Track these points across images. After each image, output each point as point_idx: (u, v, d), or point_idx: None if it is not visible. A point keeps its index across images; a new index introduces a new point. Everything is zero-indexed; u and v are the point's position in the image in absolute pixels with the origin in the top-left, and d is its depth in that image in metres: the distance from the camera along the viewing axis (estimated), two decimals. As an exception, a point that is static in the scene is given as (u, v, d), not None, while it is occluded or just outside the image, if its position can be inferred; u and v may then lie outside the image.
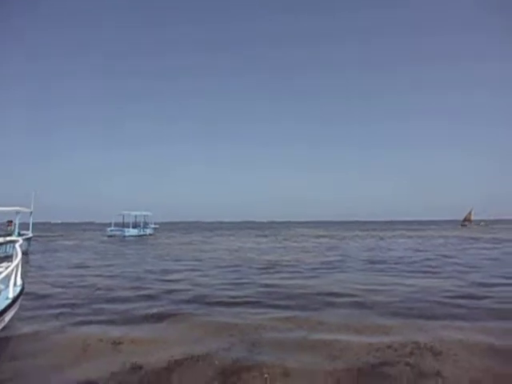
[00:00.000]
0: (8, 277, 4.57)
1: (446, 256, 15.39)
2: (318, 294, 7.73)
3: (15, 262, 4.94)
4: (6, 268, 4.79)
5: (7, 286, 4.63)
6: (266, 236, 37.07)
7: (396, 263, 13.00)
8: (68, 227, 77.61)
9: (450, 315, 5.99)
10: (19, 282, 5.08)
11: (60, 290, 8.42)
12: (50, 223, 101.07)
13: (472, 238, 28.45)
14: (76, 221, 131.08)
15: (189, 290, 8.28)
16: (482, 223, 66.79)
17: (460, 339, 4.74)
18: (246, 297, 7.52)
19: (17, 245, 5.75)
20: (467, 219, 68.03)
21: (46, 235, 36.52)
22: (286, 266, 12.45)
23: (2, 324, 3.94)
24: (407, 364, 3.96)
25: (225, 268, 12.07)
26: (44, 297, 7.50)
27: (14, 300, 4.47)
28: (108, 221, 38.12)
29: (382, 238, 30.09)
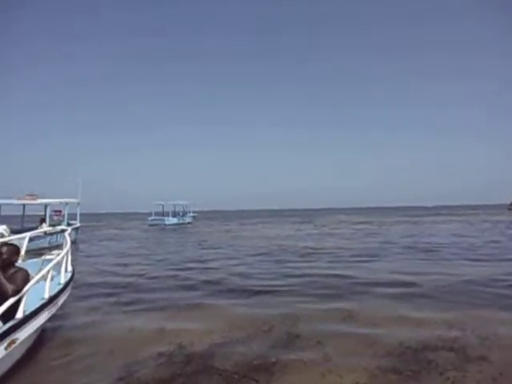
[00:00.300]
0: (59, 263, 4.76)
1: (494, 241, 14.48)
2: (360, 283, 7.53)
3: (65, 250, 5.12)
4: (57, 255, 4.98)
5: (59, 273, 4.82)
6: (304, 223, 36.80)
7: (441, 249, 12.42)
8: (113, 217, 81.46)
9: (505, 305, 5.61)
10: (70, 268, 5.29)
11: (105, 276, 8.84)
12: (96, 214, 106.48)
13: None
14: (120, 211, 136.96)
15: (227, 278, 8.36)
16: None
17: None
18: (284, 286, 7.45)
19: (66, 233, 5.95)
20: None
21: (92, 225, 38.54)
22: (325, 253, 12.24)
23: (56, 307, 4.16)
24: (451, 349, 3.86)
25: (263, 255, 12.09)
26: (91, 284, 7.86)
27: (66, 285, 4.65)
28: (150, 210, 39.58)
29: (422, 224, 28.88)
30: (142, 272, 9.30)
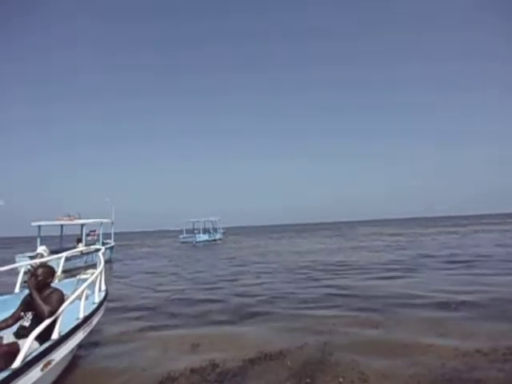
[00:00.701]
0: (93, 283, 4.85)
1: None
2: (392, 296, 7.26)
3: (99, 269, 5.23)
4: (92, 274, 5.05)
5: (93, 292, 4.92)
6: (332, 237, 36.09)
7: (481, 261, 11.76)
8: (145, 235, 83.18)
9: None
10: (103, 287, 5.36)
11: (139, 294, 8.99)
12: (131, 232, 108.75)
13: None
14: (152, 229, 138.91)
15: (259, 293, 8.30)
16: None
17: None
18: (316, 300, 7.32)
19: (100, 253, 6.08)
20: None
21: (126, 244, 39.55)
22: (356, 267, 11.90)
23: (90, 327, 4.20)
24: (499, 370, 3.58)
25: (294, 270, 11.94)
26: (125, 301, 8.04)
27: (100, 304, 4.70)
28: (181, 228, 40.16)
29: (464, 235, 27.54)
30: (174, 290, 9.39)
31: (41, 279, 3.44)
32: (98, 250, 6.69)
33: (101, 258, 5.81)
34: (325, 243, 26.36)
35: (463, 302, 6.44)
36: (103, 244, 19.03)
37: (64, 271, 6.34)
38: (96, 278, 4.92)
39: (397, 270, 10.90)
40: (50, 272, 3.62)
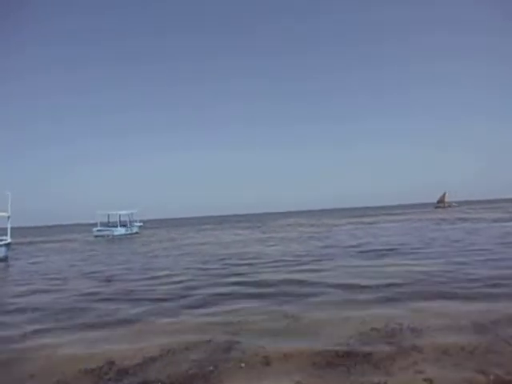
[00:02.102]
0: None
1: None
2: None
3: None
4: None
5: None
6: (253, 228, 37.21)
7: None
8: (45, 231, 75.13)
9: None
10: None
11: (34, 297, 8.29)
12: (24, 227, 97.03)
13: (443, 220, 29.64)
14: (49, 223, 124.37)
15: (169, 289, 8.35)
16: (455, 204, 69.31)
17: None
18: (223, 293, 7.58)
19: None
20: (441, 201, 70.89)
21: (28, 241, 35.57)
22: (270, 259, 12.53)
23: None
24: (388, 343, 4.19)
25: (213, 262, 12.20)
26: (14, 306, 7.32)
27: None
28: (79, 221, 37.42)
29: (368, 224, 30.66)
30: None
31: None
32: None
33: None
34: (242, 235, 27.12)
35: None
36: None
37: None
38: None
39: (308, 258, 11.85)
40: None
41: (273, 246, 17.11)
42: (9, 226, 18.91)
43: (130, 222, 39.45)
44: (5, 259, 16.98)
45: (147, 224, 51.79)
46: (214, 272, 10.19)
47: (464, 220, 28.06)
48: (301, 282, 8.05)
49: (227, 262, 12.17)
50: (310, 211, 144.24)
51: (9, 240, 18.24)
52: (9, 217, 18.49)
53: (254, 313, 5.82)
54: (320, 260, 11.28)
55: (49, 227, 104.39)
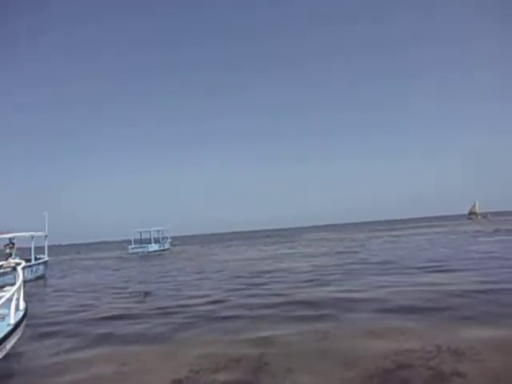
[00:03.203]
0: (10, 301, 4.46)
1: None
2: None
3: (17, 285, 4.83)
4: (8, 292, 4.68)
5: (9, 311, 4.50)
6: (278, 243, 36.87)
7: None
8: (80, 248, 77.45)
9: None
10: (22, 306, 4.96)
11: (75, 313, 8.45)
12: (60, 245, 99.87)
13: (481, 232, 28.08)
14: (83, 241, 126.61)
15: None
16: (489, 216, 65.19)
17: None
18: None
19: (19, 268, 5.62)
20: (473, 212, 67.59)
21: (66, 259, 36.80)
22: (305, 276, 12.16)
23: (4, 352, 3.84)
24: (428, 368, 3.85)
25: (243, 278, 12.15)
26: (53, 323, 7.42)
27: (17, 326, 4.32)
28: (129, 238, 38.48)
29: (401, 237, 29.70)
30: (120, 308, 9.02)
31: None
32: (18, 265, 6.14)
33: (19, 273, 5.34)
34: (271, 250, 26.90)
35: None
36: (36, 259, 17.71)
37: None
38: (12, 295, 4.51)
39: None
40: None
41: (306, 261, 16.67)
42: (46, 244, 19.72)
43: (162, 238, 40.25)
44: (43, 277, 17.65)
45: (176, 240, 52.53)
46: (247, 292, 9.77)
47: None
48: (345, 301, 7.56)
49: (259, 279, 11.85)
50: (335, 225, 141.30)
51: (46, 258, 19.00)
52: (46, 236, 19.29)
53: (289, 335, 5.46)
54: (356, 276, 10.86)
55: (85, 245, 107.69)
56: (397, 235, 33.96)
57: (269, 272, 13.39)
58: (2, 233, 16.62)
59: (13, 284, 12.37)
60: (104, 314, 7.86)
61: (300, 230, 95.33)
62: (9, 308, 4.47)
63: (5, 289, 5.56)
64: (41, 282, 16.25)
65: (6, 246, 17.37)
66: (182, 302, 8.70)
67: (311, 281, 10.54)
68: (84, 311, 8.44)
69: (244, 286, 10.42)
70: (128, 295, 10.36)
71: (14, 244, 17.23)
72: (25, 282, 13.62)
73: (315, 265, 14.49)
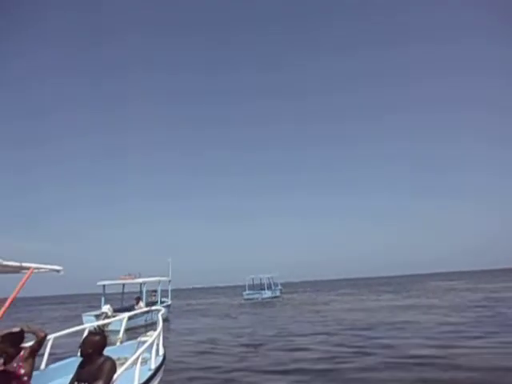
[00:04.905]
0: (152, 346, 4.65)
1: None
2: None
3: (157, 331, 5.06)
4: (151, 337, 4.87)
5: (151, 356, 4.65)
6: (392, 292, 33.47)
7: None
8: (197, 291, 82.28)
9: None
10: (161, 351, 5.13)
11: (199, 360, 8.64)
12: (179, 289, 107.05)
13: None
14: (199, 285, 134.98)
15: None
16: None
17: None
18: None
19: (159, 314, 5.95)
20: None
21: (185, 303, 39.40)
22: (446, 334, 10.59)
23: None
24: None
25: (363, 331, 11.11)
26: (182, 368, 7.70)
27: (156, 371, 4.44)
28: (223, 284, 39.82)
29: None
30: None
31: (91, 352, 3.14)
32: (158, 311, 6.58)
33: (160, 319, 5.65)
34: (386, 300, 24.41)
35: None
36: (161, 302, 19.32)
37: (126, 330, 6.33)
38: (154, 341, 4.71)
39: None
40: (102, 343, 3.29)
41: (439, 315, 14.42)
42: (169, 289, 21.52)
43: (273, 284, 40.27)
44: (166, 320, 19.06)
45: (285, 287, 52.13)
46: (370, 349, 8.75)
47: None
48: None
49: (384, 333, 10.72)
50: (465, 272, 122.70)
51: (169, 302, 20.62)
52: (169, 281, 21.11)
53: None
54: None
55: (200, 289, 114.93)
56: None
57: (392, 324, 12.02)
58: (134, 277, 18.77)
59: (143, 326, 13.70)
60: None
61: (422, 277, 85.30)
62: (150, 352, 4.68)
63: (147, 333, 5.90)
64: (165, 324, 17.40)
65: (151, 293, 20.07)
66: (296, 355, 8.24)
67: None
68: (205, 359, 8.66)
69: (366, 343, 9.32)
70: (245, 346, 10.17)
71: (155, 292, 19.94)
72: (152, 323, 14.94)
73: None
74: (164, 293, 21.19)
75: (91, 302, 37.53)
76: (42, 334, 3.03)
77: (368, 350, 8.27)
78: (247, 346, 9.95)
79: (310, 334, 11.40)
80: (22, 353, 3.00)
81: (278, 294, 39.47)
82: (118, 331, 6.09)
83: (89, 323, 5.97)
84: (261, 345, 9.90)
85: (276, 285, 40.84)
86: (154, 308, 11.70)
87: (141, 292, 18.66)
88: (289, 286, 75.87)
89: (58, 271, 3.61)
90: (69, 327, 5.35)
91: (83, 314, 15.98)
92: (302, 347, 9.18)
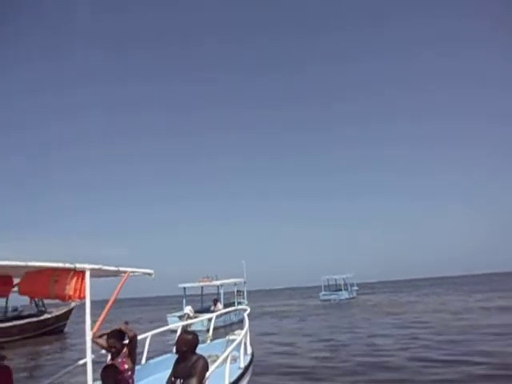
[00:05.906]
0: (240, 345, 4.70)
1: None
2: None
3: (244, 330, 5.11)
4: (239, 335, 4.94)
5: (239, 354, 4.72)
6: (484, 292, 30.21)
7: None
8: (266, 294, 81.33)
9: None
10: (249, 350, 5.20)
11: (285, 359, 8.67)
12: (249, 291, 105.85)
13: None
14: (266, 287, 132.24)
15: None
16: None
17: None
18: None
19: (245, 313, 6.06)
20: None
21: (258, 305, 39.81)
22: None
23: None
24: None
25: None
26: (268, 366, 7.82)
27: (246, 369, 4.48)
28: (295, 285, 39.35)
29: None
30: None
31: (185, 350, 3.37)
32: (243, 310, 6.68)
33: (246, 318, 5.73)
34: (475, 301, 22.11)
35: None
36: (238, 303, 19.82)
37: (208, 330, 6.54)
38: (242, 339, 4.78)
39: None
40: (194, 341, 3.46)
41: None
42: (245, 289, 22.03)
43: (350, 285, 39.08)
44: (241, 321, 19.48)
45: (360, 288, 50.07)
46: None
47: None
48: None
49: (479, 338, 9.74)
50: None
51: (246, 302, 21.06)
52: (245, 282, 21.60)
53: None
54: None
55: (274, 290, 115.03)
56: None
57: (489, 328, 10.87)
58: (211, 280, 19.55)
59: (222, 327, 14.15)
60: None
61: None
62: (239, 351, 4.76)
63: (235, 332, 5.94)
64: (235, 326, 17.76)
65: (238, 293, 21.02)
66: (378, 361, 7.84)
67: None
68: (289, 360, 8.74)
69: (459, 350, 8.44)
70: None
71: (241, 292, 20.58)
72: (231, 324, 15.41)
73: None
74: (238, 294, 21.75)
75: (173, 303, 39.74)
76: (131, 334, 3.31)
77: (465, 358, 7.47)
78: (328, 349, 9.73)
79: (393, 337, 10.82)
80: (124, 349, 3.34)
81: (354, 294, 38.27)
82: (200, 331, 6.32)
83: (173, 323, 6.26)
84: (343, 347, 9.68)
85: (352, 285, 39.61)
86: (239, 307, 12.01)
87: (218, 294, 19.32)
88: (365, 287, 72.54)
89: (150, 274, 3.87)
90: (156, 327, 5.69)
91: (168, 315, 17.11)
92: (384, 353, 8.65)
